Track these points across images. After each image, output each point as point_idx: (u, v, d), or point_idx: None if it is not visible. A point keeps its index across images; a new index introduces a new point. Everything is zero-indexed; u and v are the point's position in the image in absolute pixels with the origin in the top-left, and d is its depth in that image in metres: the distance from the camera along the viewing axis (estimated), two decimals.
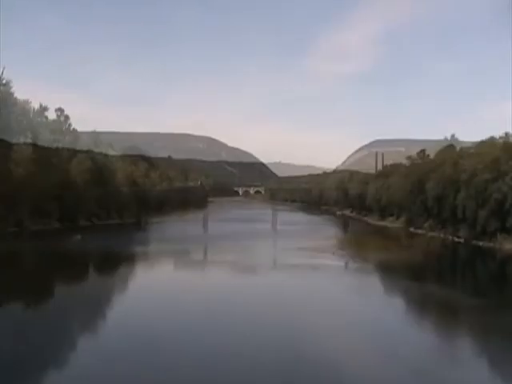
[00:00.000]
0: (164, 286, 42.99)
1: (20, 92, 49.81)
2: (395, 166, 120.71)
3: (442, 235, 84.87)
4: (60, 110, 78.08)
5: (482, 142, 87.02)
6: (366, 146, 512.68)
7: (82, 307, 34.43)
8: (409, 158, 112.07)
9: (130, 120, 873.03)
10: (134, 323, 29.35)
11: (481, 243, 72.72)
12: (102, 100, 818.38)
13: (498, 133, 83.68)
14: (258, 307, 34.83)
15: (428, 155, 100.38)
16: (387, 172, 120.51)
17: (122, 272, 50.21)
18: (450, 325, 33.75)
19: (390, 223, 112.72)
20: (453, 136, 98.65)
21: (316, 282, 44.58)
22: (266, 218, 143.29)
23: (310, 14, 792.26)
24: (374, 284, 46.27)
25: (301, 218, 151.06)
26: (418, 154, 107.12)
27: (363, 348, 26.23)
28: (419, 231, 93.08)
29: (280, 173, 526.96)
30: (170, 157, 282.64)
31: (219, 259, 57.97)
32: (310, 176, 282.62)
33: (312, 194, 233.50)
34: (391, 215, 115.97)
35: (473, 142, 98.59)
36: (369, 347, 26.39)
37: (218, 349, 24.64)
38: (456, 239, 79.03)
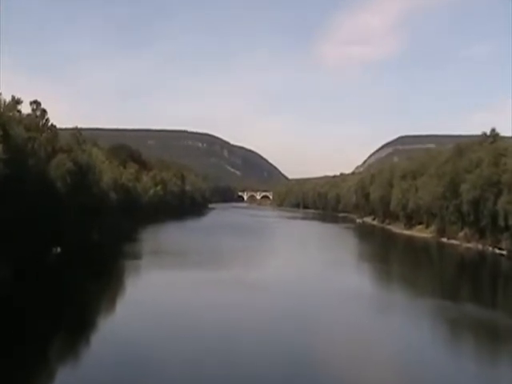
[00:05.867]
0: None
1: None
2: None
3: (480, 246, 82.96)
4: (36, 103, 75.92)
5: None
6: (390, 143, 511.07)
7: None
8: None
9: (118, 115, 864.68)
10: None
11: None
12: (86, 93, 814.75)
13: None
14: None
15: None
16: (415, 171, 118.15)
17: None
18: (489, 349, 33.26)
19: (418, 232, 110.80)
20: (493, 131, 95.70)
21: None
22: (275, 231, 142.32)
23: None
24: (406, 305, 44.69)
25: (316, 229, 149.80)
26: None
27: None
28: (453, 242, 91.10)
29: (290, 174, 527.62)
30: (164, 157, 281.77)
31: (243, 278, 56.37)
32: (326, 178, 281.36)
33: (327, 199, 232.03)
34: (420, 223, 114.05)
35: None
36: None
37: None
38: (497, 251, 77.11)
